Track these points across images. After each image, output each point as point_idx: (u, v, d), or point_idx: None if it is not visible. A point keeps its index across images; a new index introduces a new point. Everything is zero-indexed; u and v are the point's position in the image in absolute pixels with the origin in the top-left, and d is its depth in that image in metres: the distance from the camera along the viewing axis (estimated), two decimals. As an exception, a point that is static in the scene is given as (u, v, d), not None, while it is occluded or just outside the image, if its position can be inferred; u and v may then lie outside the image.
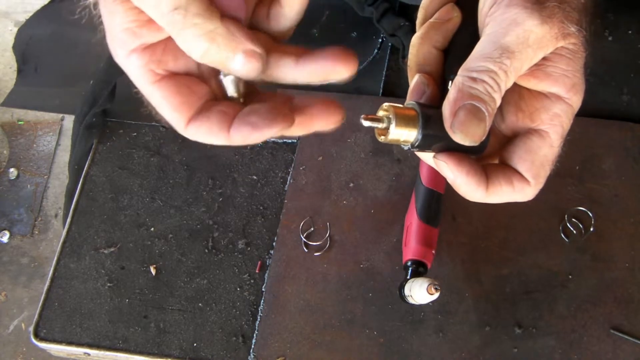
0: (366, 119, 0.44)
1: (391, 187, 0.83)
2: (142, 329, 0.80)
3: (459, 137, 0.43)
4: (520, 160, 0.47)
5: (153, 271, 0.82)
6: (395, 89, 0.89)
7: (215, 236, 0.84)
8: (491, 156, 0.49)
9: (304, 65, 0.42)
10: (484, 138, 0.43)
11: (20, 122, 2.23)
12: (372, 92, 0.89)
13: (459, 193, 0.47)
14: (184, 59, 0.43)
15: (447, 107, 0.43)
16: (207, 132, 0.41)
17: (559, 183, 0.80)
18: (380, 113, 0.45)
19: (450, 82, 0.45)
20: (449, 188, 0.65)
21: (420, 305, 0.75)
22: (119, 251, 0.84)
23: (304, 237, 0.81)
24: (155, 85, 0.42)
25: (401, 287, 0.70)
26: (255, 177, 0.86)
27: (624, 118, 0.83)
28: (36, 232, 2.10)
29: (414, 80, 0.47)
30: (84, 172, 0.90)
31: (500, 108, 0.48)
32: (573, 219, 0.78)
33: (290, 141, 0.87)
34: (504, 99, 0.44)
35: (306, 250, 0.80)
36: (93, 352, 0.79)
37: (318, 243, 0.80)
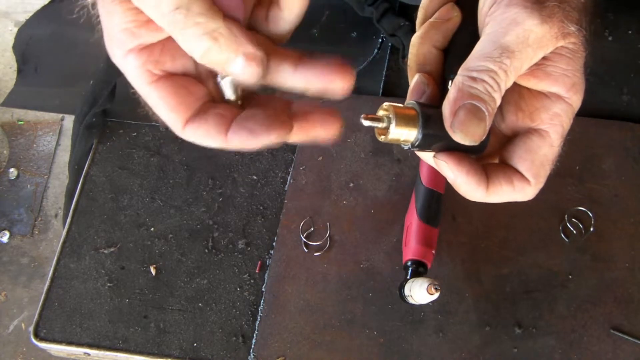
0: (366, 119, 0.44)
1: (391, 187, 0.83)
2: (142, 329, 0.80)
3: (459, 137, 0.43)
4: (521, 159, 0.47)
5: (153, 271, 0.82)
6: (395, 89, 0.89)
7: (215, 236, 0.84)
8: (491, 156, 0.49)
9: (302, 72, 0.42)
10: (484, 137, 0.43)
11: (20, 122, 2.23)
12: (372, 92, 0.89)
13: (459, 193, 0.47)
14: (182, 59, 0.43)
15: (447, 107, 0.43)
16: (204, 135, 0.41)
17: (559, 183, 0.80)
18: (380, 112, 0.45)
19: (450, 81, 0.45)
20: (449, 188, 0.65)
21: (420, 305, 0.75)
22: (119, 251, 0.84)
23: (304, 237, 0.81)
24: (152, 86, 0.42)
25: (401, 287, 0.70)
26: (255, 177, 0.86)
27: (624, 118, 0.83)
28: (36, 232, 2.10)
29: (414, 79, 0.47)
30: (84, 172, 0.90)
31: (500, 108, 0.48)
32: (573, 219, 0.78)
33: (290, 141, 0.87)
34: (504, 98, 0.44)
35: (306, 250, 0.80)
36: (93, 352, 0.79)
37: (318, 243, 0.80)
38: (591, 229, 0.78)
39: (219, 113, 0.41)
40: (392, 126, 0.43)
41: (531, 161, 0.46)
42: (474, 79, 0.42)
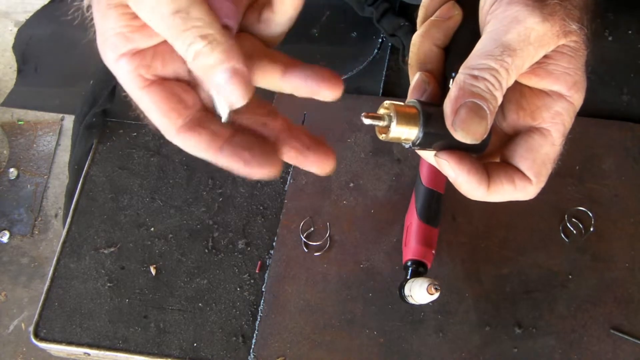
0: (367, 117, 0.44)
1: (391, 187, 0.83)
2: (142, 329, 0.79)
3: (461, 135, 0.43)
4: (522, 158, 0.47)
5: (153, 271, 0.82)
6: (395, 89, 0.89)
7: (215, 236, 0.84)
8: (492, 154, 0.49)
9: (290, 78, 0.43)
10: (485, 136, 0.43)
11: (20, 122, 2.23)
12: (372, 92, 0.89)
13: (461, 192, 0.46)
14: (173, 64, 0.43)
15: (448, 105, 0.43)
16: (195, 147, 0.42)
17: (559, 183, 0.80)
18: (381, 111, 0.44)
19: (451, 80, 0.45)
20: (449, 188, 0.65)
21: (420, 305, 0.75)
22: (119, 251, 0.84)
23: (304, 237, 0.81)
24: (144, 91, 0.42)
25: (401, 287, 0.70)
26: (255, 177, 0.86)
27: (624, 118, 0.83)
28: (36, 232, 2.10)
29: (415, 78, 0.47)
30: (84, 172, 0.90)
31: (502, 106, 0.48)
32: (573, 219, 0.78)
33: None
34: (505, 97, 0.44)
35: (306, 250, 0.80)
36: (93, 352, 0.79)
37: (318, 243, 0.80)
38: (591, 229, 0.78)
39: (213, 130, 0.42)
40: (393, 124, 0.43)
41: (532, 160, 0.46)
42: (475, 77, 0.42)
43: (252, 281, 0.81)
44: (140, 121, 0.91)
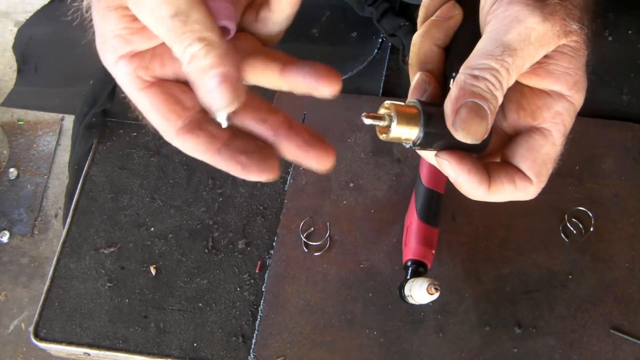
0: (367, 117, 0.44)
1: (391, 187, 0.83)
2: (142, 329, 0.79)
3: (461, 135, 0.43)
4: (522, 158, 0.47)
5: (153, 271, 0.82)
6: (395, 89, 0.89)
7: (215, 236, 0.84)
8: (493, 154, 0.49)
9: (288, 76, 0.43)
10: (485, 136, 0.43)
11: (20, 122, 2.23)
12: (372, 92, 0.89)
13: (461, 192, 0.46)
14: (172, 65, 0.43)
15: (448, 105, 0.43)
16: (193, 149, 0.42)
17: (559, 183, 0.80)
18: (382, 111, 0.44)
19: (452, 79, 0.45)
20: (449, 188, 0.65)
21: (420, 305, 0.75)
22: (119, 251, 0.84)
23: (304, 237, 0.80)
24: (143, 92, 0.42)
25: (401, 287, 0.70)
26: (255, 177, 0.86)
27: (624, 118, 0.83)
28: (36, 232, 2.10)
29: (415, 78, 0.47)
30: (84, 172, 0.90)
31: (502, 106, 0.48)
32: (573, 219, 0.78)
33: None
34: (505, 97, 0.44)
35: (306, 250, 0.80)
36: (93, 352, 0.79)
37: (318, 243, 0.80)
38: (591, 229, 0.78)
39: (211, 133, 0.42)
40: (394, 124, 0.43)
41: (533, 160, 0.46)
42: (475, 77, 0.42)
43: (252, 281, 0.80)
44: (140, 121, 0.91)
